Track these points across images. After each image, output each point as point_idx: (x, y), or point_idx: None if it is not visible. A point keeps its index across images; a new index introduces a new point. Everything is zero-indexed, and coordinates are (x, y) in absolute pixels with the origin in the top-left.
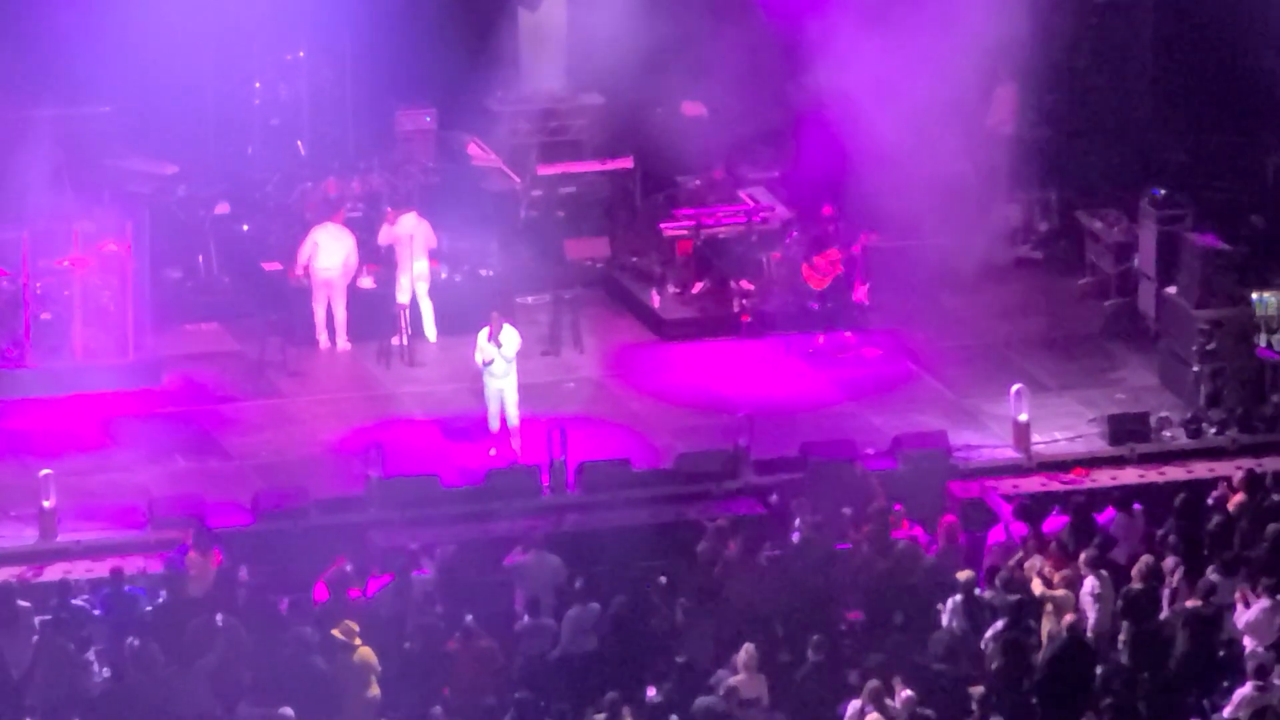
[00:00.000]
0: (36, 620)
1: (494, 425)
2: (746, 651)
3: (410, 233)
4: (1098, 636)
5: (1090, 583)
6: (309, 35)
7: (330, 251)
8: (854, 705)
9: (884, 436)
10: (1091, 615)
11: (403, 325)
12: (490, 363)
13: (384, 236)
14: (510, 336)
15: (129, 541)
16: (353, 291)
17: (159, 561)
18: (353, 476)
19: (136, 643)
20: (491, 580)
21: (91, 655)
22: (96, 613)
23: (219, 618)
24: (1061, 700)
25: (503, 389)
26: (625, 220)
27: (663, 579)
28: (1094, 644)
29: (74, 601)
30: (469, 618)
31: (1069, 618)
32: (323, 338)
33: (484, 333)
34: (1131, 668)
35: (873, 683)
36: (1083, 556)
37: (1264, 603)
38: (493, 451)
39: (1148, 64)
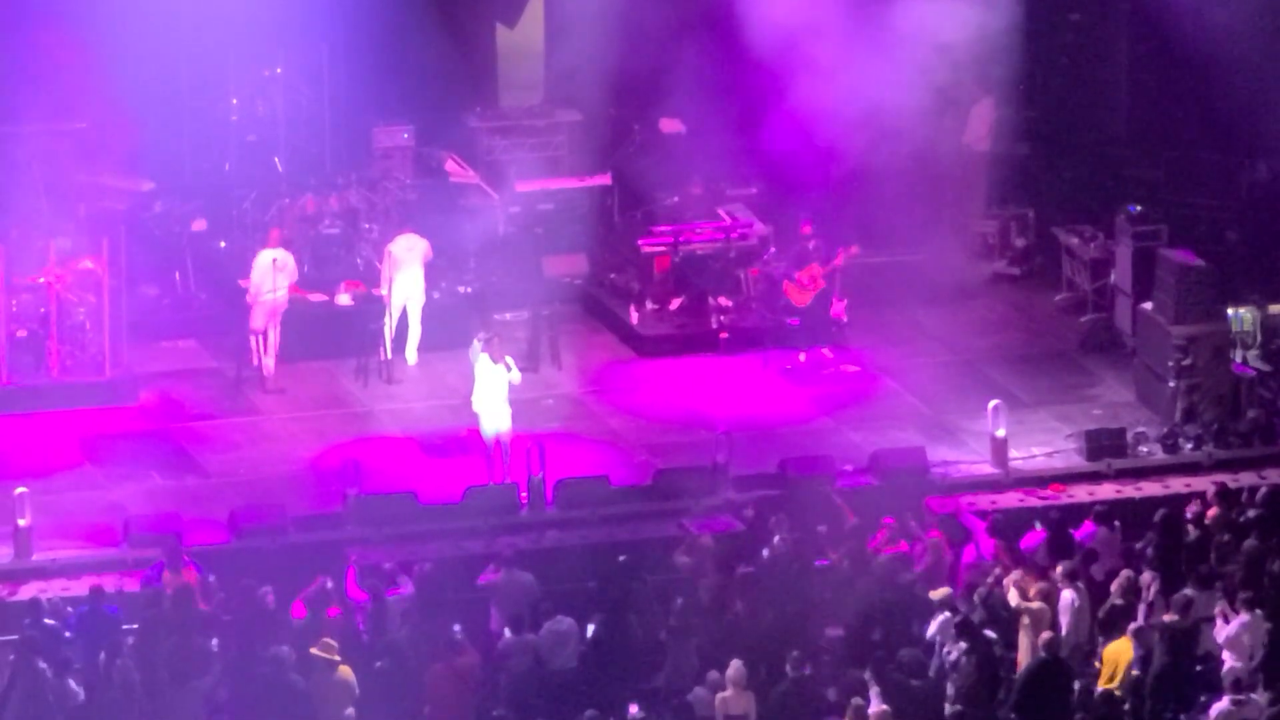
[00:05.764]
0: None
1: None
2: (735, 668)
3: (405, 252)
4: (1074, 650)
5: (1068, 596)
6: (286, 51)
7: (278, 275)
8: None
9: (862, 452)
10: (1066, 627)
11: (385, 343)
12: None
13: (386, 257)
14: (511, 361)
15: (105, 560)
16: (331, 309)
17: (136, 580)
18: (330, 494)
19: (114, 662)
20: (468, 598)
21: (69, 675)
22: (67, 634)
23: (214, 642)
24: (1039, 718)
25: (500, 412)
26: (603, 237)
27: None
28: (1070, 658)
29: (47, 621)
30: (456, 627)
31: (1045, 635)
32: (269, 362)
33: (484, 360)
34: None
35: (856, 700)
36: (1060, 569)
37: (1243, 618)
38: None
39: (1123, 81)
